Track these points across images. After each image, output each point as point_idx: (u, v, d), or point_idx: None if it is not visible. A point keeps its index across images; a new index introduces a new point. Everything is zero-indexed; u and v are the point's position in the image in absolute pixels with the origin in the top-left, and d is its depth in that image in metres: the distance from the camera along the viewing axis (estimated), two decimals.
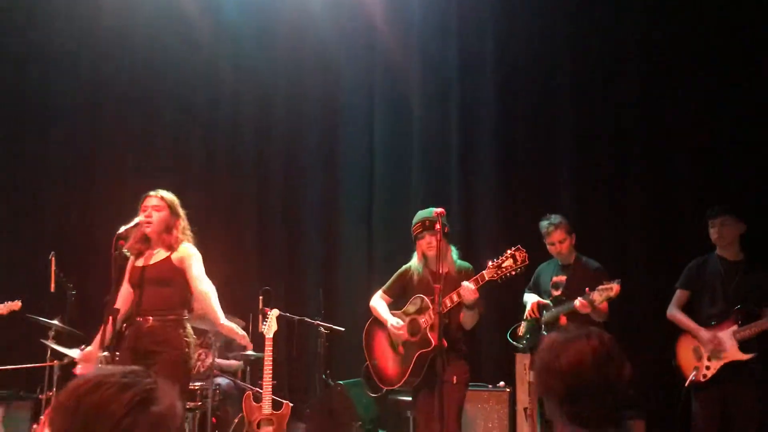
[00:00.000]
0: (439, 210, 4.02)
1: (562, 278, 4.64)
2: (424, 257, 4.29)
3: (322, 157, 7.05)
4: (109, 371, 1.36)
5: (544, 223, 4.67)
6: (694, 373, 4.25)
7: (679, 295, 4.54)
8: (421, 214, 4.29)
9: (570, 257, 4.68)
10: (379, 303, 4.47)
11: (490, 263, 3.96)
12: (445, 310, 4.00)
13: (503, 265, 3.91)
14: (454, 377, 4.13)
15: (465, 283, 3.95)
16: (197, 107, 7.20)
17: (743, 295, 4.24)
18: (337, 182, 7.02)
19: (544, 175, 6.29)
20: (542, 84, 6.35)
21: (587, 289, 4.33)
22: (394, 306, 4.45)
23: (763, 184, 5.40)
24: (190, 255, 3.97)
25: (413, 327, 4.26)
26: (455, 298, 4.03)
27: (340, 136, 7.04)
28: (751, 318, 4.19)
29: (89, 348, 3.92)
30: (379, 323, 4.43)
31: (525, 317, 4.76)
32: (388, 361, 4.38)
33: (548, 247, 4.66)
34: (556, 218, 4.66)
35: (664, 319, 4.61)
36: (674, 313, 4.49)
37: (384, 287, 4.52)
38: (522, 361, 5.59)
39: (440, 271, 3.91)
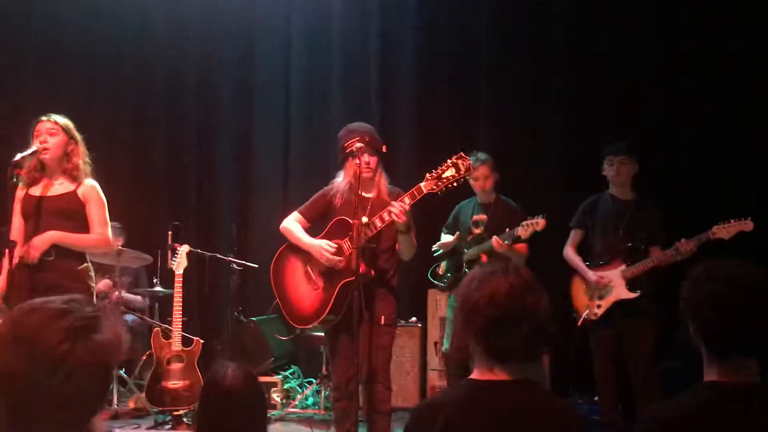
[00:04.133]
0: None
1: (483, 217, 4.67)
2: (354, 178, 3.67)
3: (238, 84, 6.80)
4: (50, 299, 1.28)
5: (470, 159, 4.63)
6: (586, 312, 4.39)
7: (574, 234, 4.63)
8: (360, 126, 3.84)
9: (491, 196, 4.73)
10: (294, 225, 3.84)
11: (428, 174, 3.54)
12: (375, 231, 3.59)
13: (444, 176, 3.48)
14: (383, 317, 3.70)
15: (395, 203, 3.54)
16: (103, 28, 6.75)
17: (633, 233, 4.36)
18: (253, 111, 6.80)
19: (465, 109, 6.29)
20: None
21: (507, 228, 4.39)
22: (310, 233, 3.88)
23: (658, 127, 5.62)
24: (95, 198, 3.81)
25: (336, 253, 3.71)
26: (386, 217, 3.57)
27: (257, 63, 6.80)
28: (639, 256, 4.32)
29: None
30: (293, 250, 3.83)
31: (457, 251, 4.78)
32: (302, 295, 3.78)
33: (472, 182, 4.65)
34: (483, 155, 4.67)
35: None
36: (567, 252, 4.60)
37: (300, 208, 3.93)
38: (434, 297, 5.70)
39: (358, 199, 3.52)
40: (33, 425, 1.21)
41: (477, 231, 4.61)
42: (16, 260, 3.51)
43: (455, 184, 3.51)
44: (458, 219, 4.84)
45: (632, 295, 4.28)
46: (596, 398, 4.75)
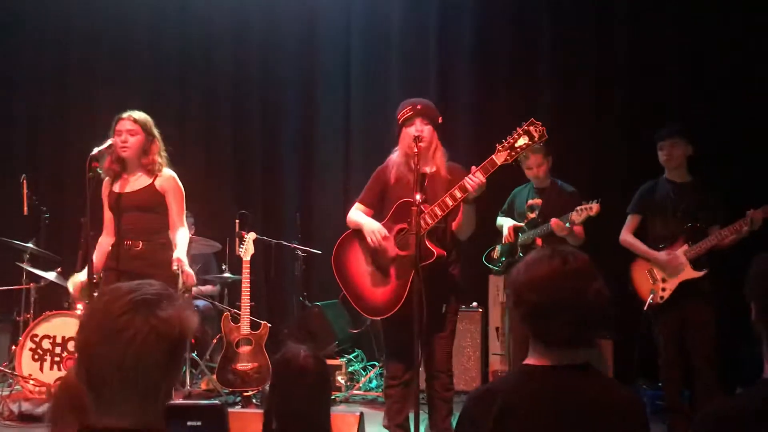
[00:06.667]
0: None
1: (538, 201, 4.67)
2: (406, 155, 3.56)
3: (299, 73, 6.93)
4: (123, 283, 1.43)
5: None
6: (651, 296, 4.33)
7: (631, 219, 4.58)
8: (414, 99, 3.70)
9: (546, 181, 4.72)
10: (356, 214, 3.72)
11: (498, 146, 3.34)
12: (445, 211, 3.42)
13: (517, 145, 3.29)
14: (444, 305, 3.57)
15: (468, 178, 3.31)
16: (170, 21, 7.00)
17: (693, 215, 4.32)
18: (314, 101, 6.92)
19: (524, 90, 6.29)
20: None
21: (563, 213, 4.39)
22: (376, 220, 3.70)
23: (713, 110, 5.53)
24: (173, 188, 3.97)
25: (404, 238, 3.53)
26: (458, 194, 3.37)
27: (317, 52, 6.92)
28: (699, 236, 4.27)
29: (78, 275, 3.95)
30: (357, 237, 3.68)
31: (504, 241, 4.82)
32: (373, 284, 3.61)
33: (525, 170, 4.67)
34: None
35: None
36: (627, 238, 4.54)
37: (360, 197, 3.80)
38: (495, 282, 5.72)
39: (417, 175, 3.35)
40: (105, 391, 1.34)
41: (532, 215, 4.61)
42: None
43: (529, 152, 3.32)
44: (513, 204, 4.85)
45: (699, 274, 4.23)
46: (660, 384, 4.71)
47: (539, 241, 4.50)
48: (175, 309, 1.38)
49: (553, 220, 4.39)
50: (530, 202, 4.69)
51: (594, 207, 4.24)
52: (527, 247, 4.55)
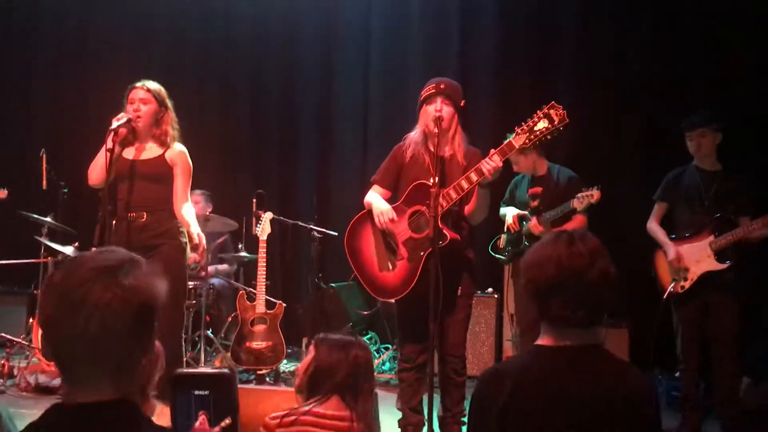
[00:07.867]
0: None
1: (538, 190, 4.59)
2: (424, 134, 3.52)
3: (318, 55, 6.93)
4: (81, 254, 1.37)
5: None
6: (672, 284, 4.28)
7: (658, 207, 4.51)
8: (439, 78, 3.59)
9: (540, 169, 4.65)
10: (372, 196, 3.63)
11: (517, 128, 3.25)
12: (461, 194, 3.34)
13: (536, 128, 3.20)
14: (459, 288, 3.51)
15: (486, 161, 3.24)
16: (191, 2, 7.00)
17: (721, 204, 4.23)
18: (332, 82, 6.92)
19: (545, 74, 6.22)
20: None
21: (570, 198, 4.34)
22: (392, 201, 3.61)
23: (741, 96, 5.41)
24: (183, 162, 3.93)
25: (417, 221, 3.48)
26: (474, 177, 3.30)
27: (338, 34, 6.90)
28: (727, 227, 4.18)
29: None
30: (370, 218, 3.61)
31: (505, 229, 4.78)
32: (384, 267, 3.55)
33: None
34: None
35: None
36: (652, 226, 4.49)
37: (375, 177, 3.70)
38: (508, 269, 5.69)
39: (437, 156, 3.25)
40: (75, 366, 1.29)
41: (534, 204, 4.55)
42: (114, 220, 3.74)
43: (549, 136, 3.24)
44: (515, 193, 4.80)
45: (721, 266, 4.15)
46: (676, 374, 4.67)
47: (537, 229, 4.44)
48: (139, 276, 1.31)
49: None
50: (531, 191, 4.62)
51: (595, 194, 4.18)
52: (531, 236, 4.51)
